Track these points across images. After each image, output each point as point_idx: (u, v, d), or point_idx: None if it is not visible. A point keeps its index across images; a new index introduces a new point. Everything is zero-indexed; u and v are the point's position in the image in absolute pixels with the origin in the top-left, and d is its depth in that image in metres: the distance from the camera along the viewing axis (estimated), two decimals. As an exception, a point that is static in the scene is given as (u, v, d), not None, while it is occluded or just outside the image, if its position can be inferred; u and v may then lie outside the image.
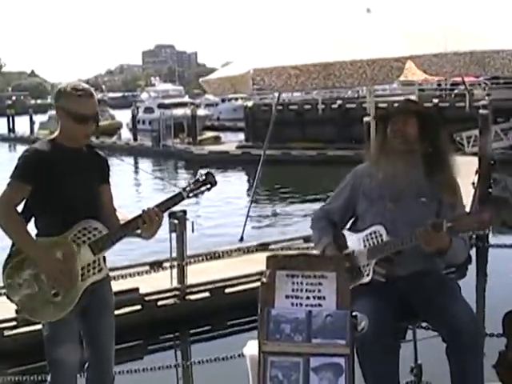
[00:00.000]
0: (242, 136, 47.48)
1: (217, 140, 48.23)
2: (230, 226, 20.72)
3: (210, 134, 50.36)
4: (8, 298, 4.27)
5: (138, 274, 13.58)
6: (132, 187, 32.92)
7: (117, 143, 52.12)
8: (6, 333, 10.34)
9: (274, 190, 30.52)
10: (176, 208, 13.79)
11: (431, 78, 5.74)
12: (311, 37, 4.75)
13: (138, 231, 4.27)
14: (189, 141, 46.75)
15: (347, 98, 45.65)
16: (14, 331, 10.37)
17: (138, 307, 12.69)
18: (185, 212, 13.30)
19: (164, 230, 13.77)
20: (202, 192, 4.33)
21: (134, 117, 55.22)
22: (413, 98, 40.79)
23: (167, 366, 8.80)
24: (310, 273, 3.71)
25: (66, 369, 4.22)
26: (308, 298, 3.67)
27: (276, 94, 46.77)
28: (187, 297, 13.05)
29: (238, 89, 4.86)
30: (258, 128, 43.67)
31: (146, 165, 44.53)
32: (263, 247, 15.04)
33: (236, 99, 67.42)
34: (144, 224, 4.18)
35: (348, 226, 4.68)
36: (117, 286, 12.95)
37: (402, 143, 4.40)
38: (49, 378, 4.31)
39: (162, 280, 13.46)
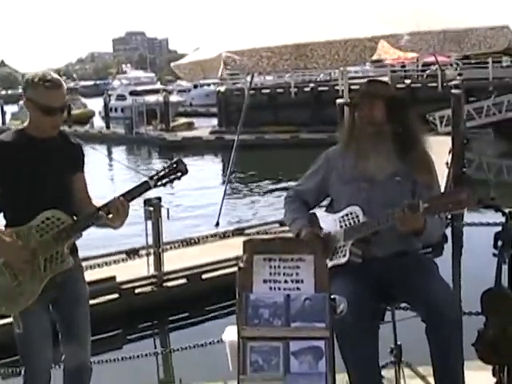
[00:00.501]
0: (215, 121, 47.40)
1: (190, 126, 48.17)
2: (205, 211, 20.72)
3: (182, 120, 50.27)
4: None
5: (115, 262, 13.58)
6: (106, 176, 32.74)
7: (89, 132, 51.83)
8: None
9: (248, 175, 30.52)
10: (151, 195, 13.76)
11: (404, 56, 5.67)
12: (283, 18, 4.69)
13: (106, 221, 4.17)
14: (162, 127, 46.70)
15: (320, 81, 45.72)
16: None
17: (115, 296, 12.66)
18: (160, 199, 13.26)
19: (139, 218, 13.78)
20: (172, 180, 4.14)
21: (106, 105, 54.99)
22: (385, 79, 40.97)
23: (146, 355, 8.75)
24: (287, 256, 3.68)
25: (38, 362, 4.18)
26: (286, 281, 3.64)
27: (248, 79, 46.56)
28: (164, 284, 13.03)
29: (209, 73, 4.79)
30: (231, 113, 43.63)
31: (119, 153, 44.41)
32: (239, 232, 15.05)
33: (208, 85, 67.30)
34: (109, 214, 4.11)
35: (324, 207, 4.66)
36: (93, 274, 12.97)
37: (370, 127, 4.38)
38: (23, 372, 4.27)
39: (139, 268, 13.44)
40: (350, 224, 4.31)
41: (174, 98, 58.23)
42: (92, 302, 12.99)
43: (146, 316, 12.37)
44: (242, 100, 43.34)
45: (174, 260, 13.38)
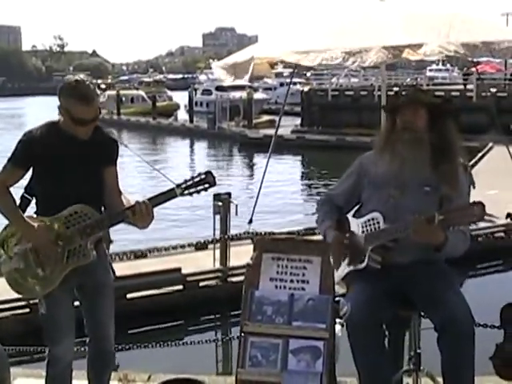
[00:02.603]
0: (298, 120, 47.20)
1: (272, 124, 48.06)
2: (277, 210, 20.75)
3: (265, 117, 50.26)
4: None
5: (181, 253, 13.81)
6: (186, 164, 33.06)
7: (173, 124, 52.43)
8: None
9: (325, 175, 30.45)
10: (221, 190, 13.87)
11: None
12: (309, 27, 4.77)
13: (131, 221, 4.25)
14: (244, 124, 46.86)
15: (404, 85, 45.28)
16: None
17: (180, 287, 12.84)
18: (229, 194, 13.40)
19: (209, 211, 13.94)
20: (198, 191, 4.19)
21: (190, 98, 55.50)
22: (471, 86, 40.40)
23: (206, 341, 8.80)
24: (295, 256, 3.78)
25: (61, 343, 4.30)
26: (292, 281, 3.74)
27: (334, 80, 46.07)
28: (229, 279, 13.13)
29: (239, 75, 4.89)
30: (313, 113, 43.55)
31: (201, 146, 44.83)
32: (310, 232, 15.00)
33: (295, 83, 67.13)
34: (134, 215, 4.17)
35: (353, 211, 4.67)
36: (160, 264, 13.19)
37: (410, 133, 4.38)
38: (47, 352, 4.41)
39: (205, 261, 13.59)
40: (370, 230, 4.33)
41: (259, 95, 58.34)
42: (156, 291, 13.21)
43: (208, 309, 12.50)
44: (326, 100, 43.42)
45: (241, 255, 13.44)
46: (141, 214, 4.14)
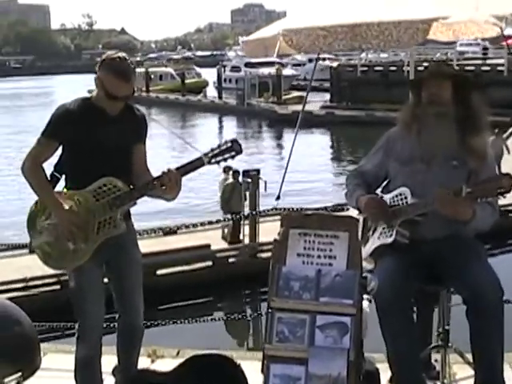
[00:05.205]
0: (328, 96, 47.00)
1: (301, 100, 47.90)
2: (306, 186, 20.73)
3: (294, 93, 50.11)
4: (30, 242, 4.45)
5: (210, 229, 13.81)
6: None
7: (202, 101, 52.47)
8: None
9: (355, 151, 30.38)
10: (250, 167, 13.88)
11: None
12: None
13: (160, 192, 4.26)
14: (273, 100, 46.78)
15: (434, 61, 44.88)
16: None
17: (209, 263, 12.90)
18: (258, 171, 13.43)
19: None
20: (225, 159, 4.20)
21: (219, 75, 55.42)
22: (502, 61, 40.02)
23: (238, 318, 8.83)
24: (322, 232, 3.75)
25: (90, 317, 4.31)
26: (319, 256, 3.72)
27: (363, 55, 45.71)
28: (258, 255, 13.18)
29: (270, 51, 4.82)
30: (343, 88, 43.35)
31: (230, 123, 44.81)
32: (340, 207, 14.97)
33: (324, 59, 66.72)
34: (162, 186, 4.17)
35: (381, 187, 4.63)
36: (189, 241, 13.25)
37: (436, 106, 4.31)
38: (77, 326, 4.40)
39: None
40: (398, 205, 4.29)
41: (288, 71, 58.14)
42: (186, 268, 13.25)
43: (238, 285, 12.55)
44: (355, 76, 43.19)
45: (270, 232, 13.43)
46: (169, 184, 4.14)
